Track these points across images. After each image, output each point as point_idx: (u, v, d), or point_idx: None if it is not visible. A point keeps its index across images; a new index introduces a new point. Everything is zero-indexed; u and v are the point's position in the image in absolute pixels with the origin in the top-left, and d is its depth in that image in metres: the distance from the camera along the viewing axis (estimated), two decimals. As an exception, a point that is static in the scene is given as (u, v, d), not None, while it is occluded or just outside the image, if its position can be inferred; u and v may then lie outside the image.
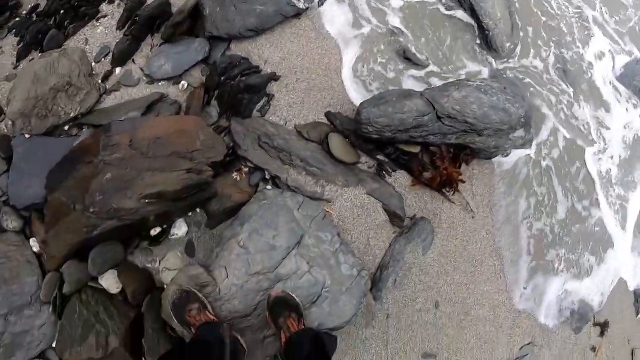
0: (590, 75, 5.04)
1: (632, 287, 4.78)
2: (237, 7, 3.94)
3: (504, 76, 4.55)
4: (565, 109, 4.71)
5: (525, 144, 4.25)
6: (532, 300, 4.14)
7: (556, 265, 4.27)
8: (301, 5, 4.08)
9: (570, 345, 4.25)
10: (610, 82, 5.15)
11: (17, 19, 4.25)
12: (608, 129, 4.88)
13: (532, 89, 4.63)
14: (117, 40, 4.10)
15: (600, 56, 5.21)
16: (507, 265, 4.07)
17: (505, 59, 4.64)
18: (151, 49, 4.10)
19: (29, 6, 4.30)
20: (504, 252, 4.08)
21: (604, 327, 4.49)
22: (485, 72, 4.53)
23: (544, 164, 4.41)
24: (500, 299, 3.99)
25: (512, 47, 4.71)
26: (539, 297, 4.18)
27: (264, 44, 4.04)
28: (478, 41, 4.64)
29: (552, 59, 4.90)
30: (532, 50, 4.82)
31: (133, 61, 4.06)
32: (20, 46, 4.07)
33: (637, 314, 4.78)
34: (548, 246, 4.28)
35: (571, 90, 4.84)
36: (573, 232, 4.39)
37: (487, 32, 4.54)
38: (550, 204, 4.36)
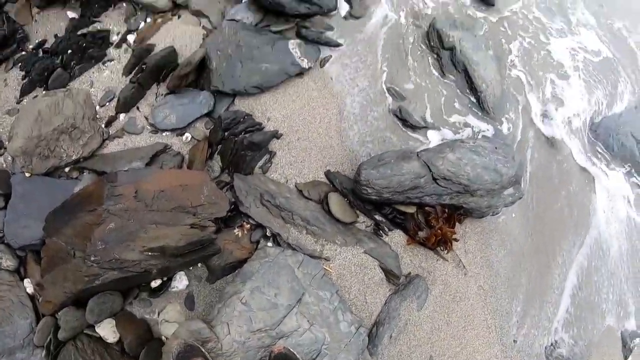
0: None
1: (618, 331, 4.87)
2: (243, 64, 4.09)
3: (494, 136, 4.75)
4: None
5: (515, 201, 4.38)
6: (523, 351, 4.23)
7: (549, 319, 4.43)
8: (304, 65, 4.25)
9: (559, 396, 4.34)
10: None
11: (24, 53, 4.30)
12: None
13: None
14: (122, 85, 4.20)
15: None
16: (497, 319, 4.17)
17: (496, 117, 4.84)
18: (156, 98, 4.19)
19: (36, 41, 4.37)
20: (495, 306, 4.18)
21: (593, 376, 4.57)
22: (478, 129, 4.72)
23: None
24: (492, 351, 4.07)
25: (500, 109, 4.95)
26: (529, 349, 4.28)
27: (267, 101, 4.17)
28: (470, 101, 4.84)
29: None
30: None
31: (137, 108, 4.14)
32: (24, 81, 4.11)
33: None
34: (537, 298, 4.43)
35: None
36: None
37: (479, 94, 4.74)
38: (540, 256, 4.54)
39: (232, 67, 4.06)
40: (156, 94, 4.22)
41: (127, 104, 4.09)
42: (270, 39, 4.26)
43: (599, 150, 5.34)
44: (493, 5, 5.54)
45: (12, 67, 4.19)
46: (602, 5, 6.54)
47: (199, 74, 4.25)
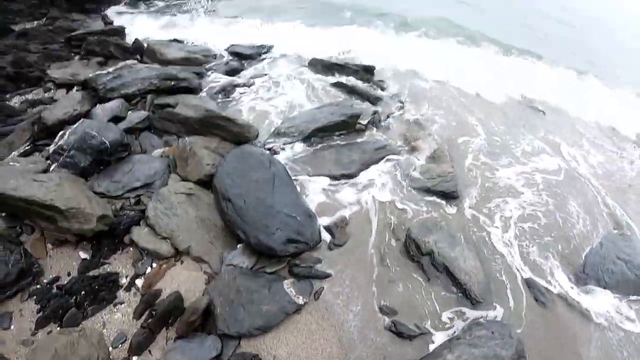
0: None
1: None
2: (245, 308, 4.50)
3: (487, 319, 4.96)
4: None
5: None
6: None
7: None
8: (300, 302, 4.70)
9: None
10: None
11: (38, 286, 4.63)
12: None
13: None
14: (133, 328, 4.47)
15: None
16: None
17: (485, 301, 5.11)
18: (166, 342, 4.44)
19: (50, 276, 4.71)
20: None
21: None
22: (471, 319, 4.94)
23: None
24: None
25: (487, 291, 5.23)
26: None
27: (271, 341, 4.49)
28: (458, 295, 5.16)
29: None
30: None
31: (149, 352, 4.35)
32: (39, 315, 4.36)
33: None
34: None
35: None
36: None
37: (464, 287, 5.10)
38: None
39: (235, 311, 4.46)
40: (166, 337, 4.49)
41: (139, 347, 4.34)
42: (266, 281, 4.77)
43: (590, 287, 5.54)
44: (457, 197, 6.21)
45: (27, 299, 4.49)
46: (524, 125, 9.04)
47: (205, 318, 4.59)
